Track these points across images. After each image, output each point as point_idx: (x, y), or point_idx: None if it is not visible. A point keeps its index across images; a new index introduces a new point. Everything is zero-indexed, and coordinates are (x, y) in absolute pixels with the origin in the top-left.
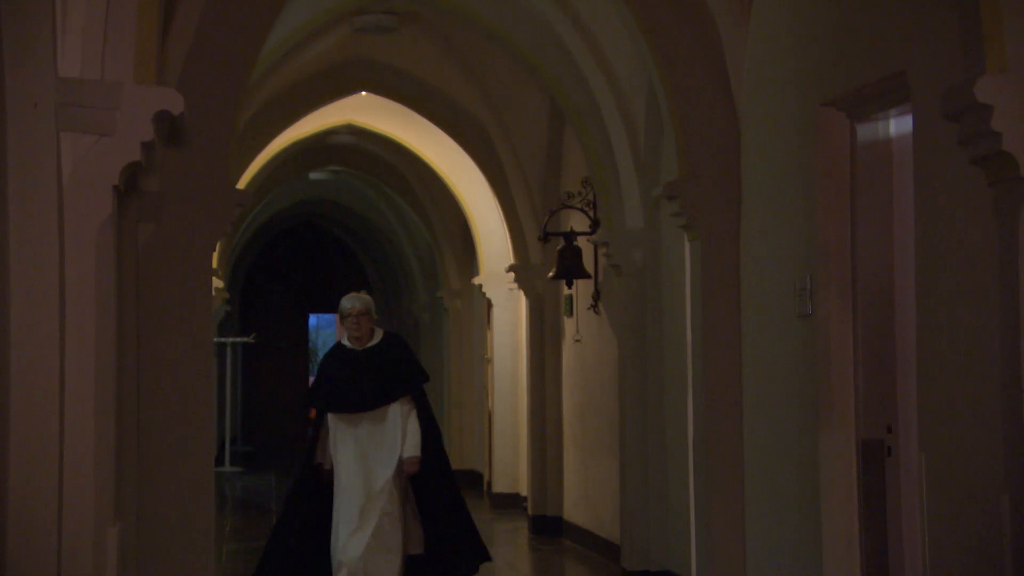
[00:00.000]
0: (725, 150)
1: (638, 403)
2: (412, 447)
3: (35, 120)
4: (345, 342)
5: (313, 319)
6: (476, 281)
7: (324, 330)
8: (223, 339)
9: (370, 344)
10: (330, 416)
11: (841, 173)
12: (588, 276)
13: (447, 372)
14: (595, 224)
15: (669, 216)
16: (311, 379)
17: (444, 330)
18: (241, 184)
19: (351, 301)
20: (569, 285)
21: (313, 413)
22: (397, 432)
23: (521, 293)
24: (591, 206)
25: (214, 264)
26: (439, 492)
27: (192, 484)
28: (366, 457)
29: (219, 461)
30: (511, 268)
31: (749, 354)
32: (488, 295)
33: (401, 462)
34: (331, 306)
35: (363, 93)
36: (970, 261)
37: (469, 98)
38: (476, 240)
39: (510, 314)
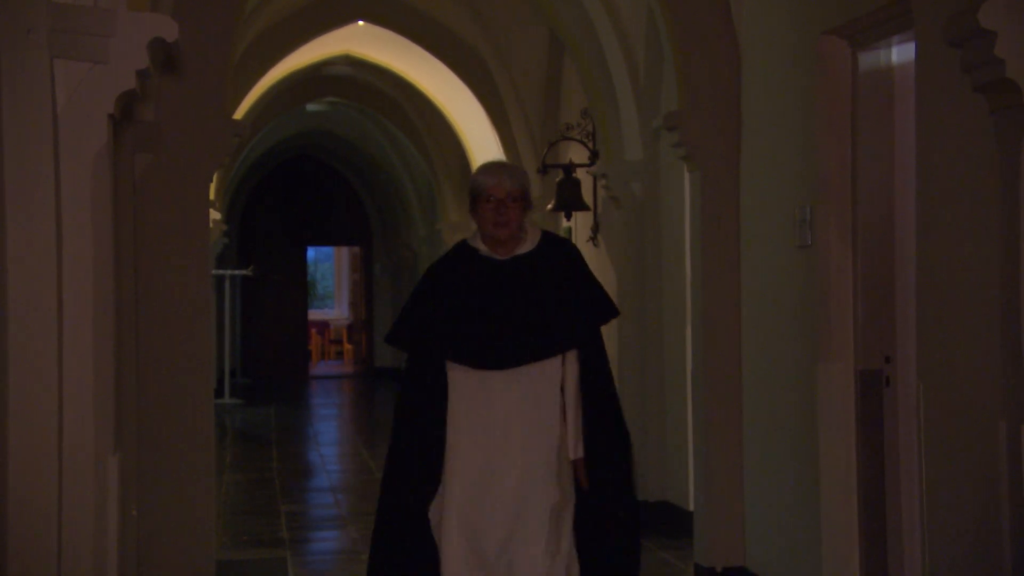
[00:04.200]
0: (725, 80)
1: (636, 335)
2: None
3: (28, 47)
4: (476, 245)
5: (311, 252)
6: None
7: (322, 263)
8: (221, 272)
9: (520, 251)
10: (451, 371)
11: (842, 102)
12: (587, 208)
13: None
14: (594, 156)
15: (669, 147)
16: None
17: None
18: (238, 114)
19: (496, 174)
20: (568, 217)
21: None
22: (556, 404)
23: None
24: (590, 138)
25: (212, 196)
26: (608, 498)
27: (192, 416)
28: (508, 441)
29: (219, 393)
30: None
31: (748, 285)
32: None
33: (563, 457)
34: (329, 239)
35: (360, 23)
36: (971, 190)
37: (467, 28)
38: None
39: None
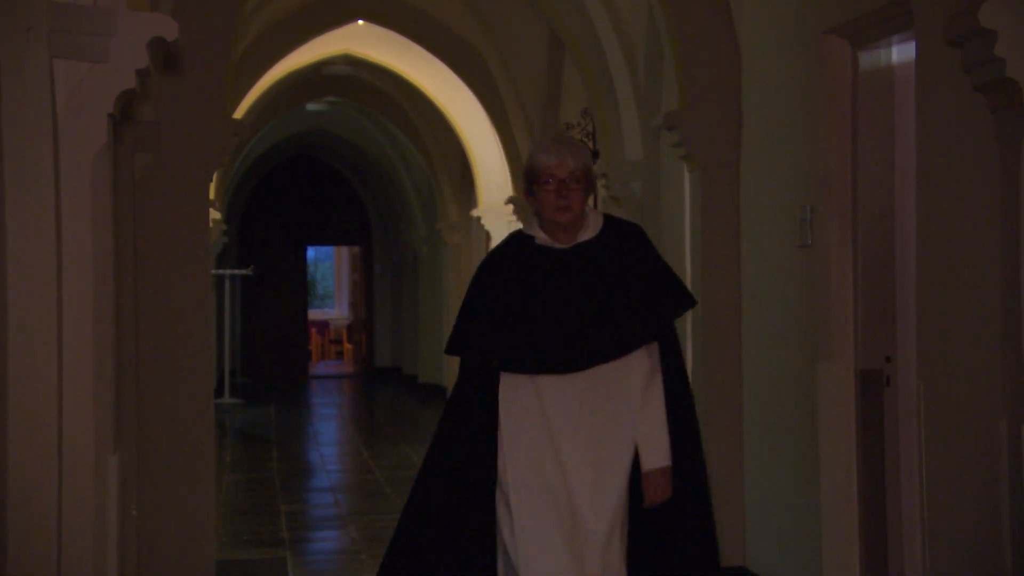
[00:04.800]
0: (726, 79)
1: None
2: (662, 450)
3: (28, 46)
4: (533, 233)
5: (311, 252)
6: (475, 214)
7: (322, 263)
8: (221, 271)
9: (583, 238)
10: (505, 378)
11: (843, 101)
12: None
13: (446, 306)
14: (594, 155)
15: (669, 147)
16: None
17: (443, 263)
18: (238, 114)
19: (557, 152)
20: None
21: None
22: (627, 409)
23: (520, 225)
24: (590, 137)
25: (212, 196)
26: (681, 499)
27: (192, 416)
28: (579, 454)
29: (218, 393)
30: (510, 200)
31: (748, 285)
32: (487, 227)
33: (630, 469)
34: (329, 239)
35: (360, 22)
36: (971, 189)
37: (467, 28)
38: (475, 172)
39: None
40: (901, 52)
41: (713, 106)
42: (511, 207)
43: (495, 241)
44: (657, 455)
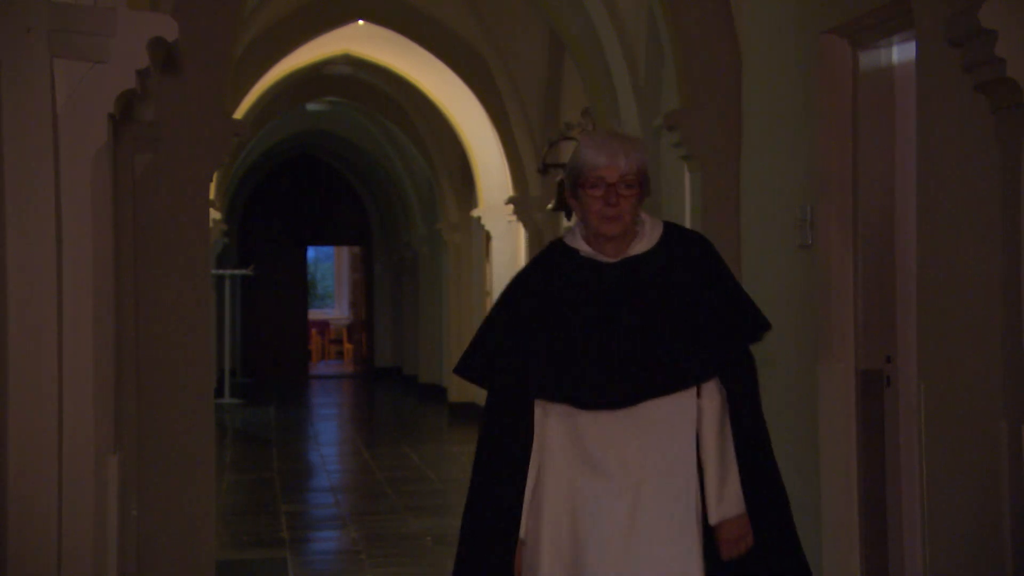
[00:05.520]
0: (726, 79)
1: None
2: (734, 498)
3: (28, 46)
4: (576, 244)
5: (311, 252)
6: (475, 214)
7: (322, 263)
8: (221, 271)
9: (636, 251)
10: (539, 412)
11: (843, 101)
12: None
13: (446, 306)
14: None
15: (669, 147)
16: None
17: (443, 263)
18: (238, 114)
19: (609, 150)
20: (568, 217)
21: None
22: (692, 452)
23: (520, 225)
24: None
25: (211, 195)
26: (776, 565)
27: (192, 416)
28: (630, 508)
29: (218, 393)
30: (510, 200)
31: (748, 285)
32: (487, 227)
33: (699, 521)
34: (329, 239)
35: (360, 22)
36: (972, 189)
37: (468, 28)
38: (475, 172)
39: (509, 247)
40: (901, 52)
41: (713, 106)
42: (511, 207)
43: (496, 240)
44: (730, 501)
